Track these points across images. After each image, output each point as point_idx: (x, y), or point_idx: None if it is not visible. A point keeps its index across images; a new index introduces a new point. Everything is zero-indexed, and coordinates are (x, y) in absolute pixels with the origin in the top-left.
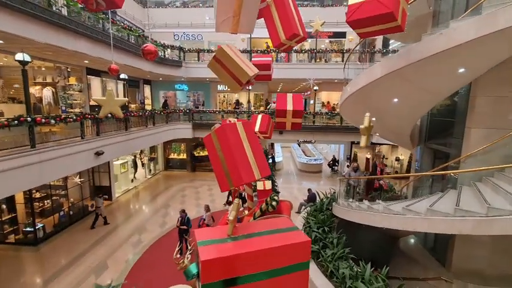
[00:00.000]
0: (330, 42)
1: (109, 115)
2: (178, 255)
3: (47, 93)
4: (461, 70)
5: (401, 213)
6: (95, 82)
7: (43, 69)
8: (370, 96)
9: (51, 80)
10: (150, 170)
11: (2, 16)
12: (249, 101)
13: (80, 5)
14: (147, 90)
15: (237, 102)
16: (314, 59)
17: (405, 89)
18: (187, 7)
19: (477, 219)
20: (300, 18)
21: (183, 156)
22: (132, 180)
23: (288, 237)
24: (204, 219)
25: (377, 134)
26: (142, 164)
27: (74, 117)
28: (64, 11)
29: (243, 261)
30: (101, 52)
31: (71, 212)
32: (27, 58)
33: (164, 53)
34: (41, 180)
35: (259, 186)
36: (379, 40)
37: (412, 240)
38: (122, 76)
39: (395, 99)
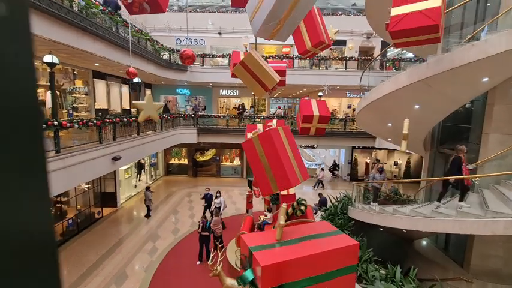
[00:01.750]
0: (330, 49)
1: (124, 119)
2: (211, 262)
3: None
4: (486, 79)
5: (430, 215)
6: (100, 85)
7: (48, 71)
8: (391, 103)
9: (56, 83)
10: (152, 176)
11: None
12: (252, 106)
13: (99, 8)
14: (147, 93)
15: (239, 107)
16: (318, 65)
17: (428, 96)
18: (187, 12)
19: (509, 220)
20: (324, 26)
21: (184, 161)
22: (135, 186)
23: (336, 240)
24: (210, 223)
25: (389, 140)
26: (144, 170)
27: (95, 122)
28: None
29: (298, 266)
30: (116, 55)
31: (78, 220)
32: (56, 60)
33: (170, 57)
34: (66, 186)
35: (283, 191)
36: (376, 49)
37: (425, 242)
38: (136, 80)
39: (416, 106)
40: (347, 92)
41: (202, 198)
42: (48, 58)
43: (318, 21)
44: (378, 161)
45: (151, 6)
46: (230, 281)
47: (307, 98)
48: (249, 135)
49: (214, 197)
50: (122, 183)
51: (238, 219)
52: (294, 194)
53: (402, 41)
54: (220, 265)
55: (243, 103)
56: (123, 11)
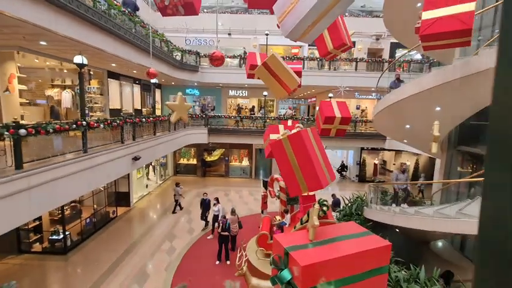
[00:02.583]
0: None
1: (143, 119)
2: (239, 262)
3: (67, 96)
4: None
5: (454, 217)
6: (114, 85)
7: (65, 71)
8: (411, 105)
9: (71, 83)
10: (162, 175)
11: (61, 19)
12: (262, 107)
13: (121, 9)
14: (157, 94)
15: (253, 108)
16: (329, 67)
17: (451, 98)
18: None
19: None
20: (346, 28)
21: (193, 161)
22: (146, 186)
23: (368, 241)
24: (229, 223)
25: (405, 141)
26: (154, 169)
27: (118, 122)
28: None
29: (334, 267)
30: (135, 56)
31: (95, 219)
32: (85, 61)
33: (182, 57)
34: (91, 186)
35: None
36: (385, 50)
37: (441, 243)
38: (153, 80)
39: (438, 108)
40: (356, 93)
41: (201, 205)
42: (78, 59)
43: (340, 23)
44: (384, 162)
45: (186, 9)
46: (255, 281)
47: (314, 99)
48: (273, 136)
49: (212, 204)
50: (134, 183)
51: (251, 219)
52: (314, 195)
53: (431, 44)
54: (245, 265)
55: (238, 104)
56: (139, 14)
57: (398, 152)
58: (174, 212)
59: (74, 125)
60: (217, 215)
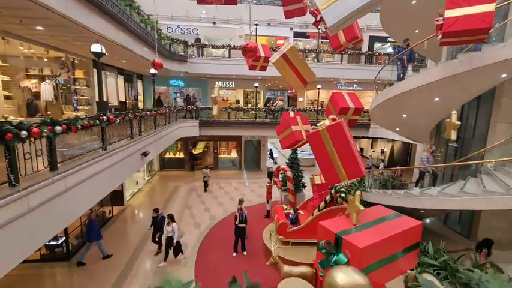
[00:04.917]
0: (322, 43)
1: (148, 113)
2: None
3: (47, 87)
4: (504, 75)
5: (458, 195)
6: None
7: (45, 59)
8: (414, 96)
9: (50, 73)
10: (149, 171)
11: (71, 1)
12: (266, 101)
13: None
14: (139, 85)
15: (268, 100)
16: (317, 58)
17: (450, 89)
18: None
19: None
20: (357, 21)
21: (180, 155)
22: (136, 183)
23: (403, 222)
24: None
25: (397, 129)
26: None
27: (129, 116)
28: None
29: (383, 247)
30: (133, 45)
31: None
32: (103, 50)
33: (170, 47)
34: (112, 185)
35: (317, 180)
36: (364, 43)
37: (428, 219)
38: (153, 72)
39: (436, 99)
40: (338, 84)
41: (151, 226)
42: (96, 47)
43: None
44: (362, 149)
45: None
46: (287, 268)
47: (295, 90)
48: (295, 128)
49: (166, 223)
50: (126, 180)
51: (254, 209)
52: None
53: (451, 40)
54: (277, 253)
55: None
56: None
57: (374, 140)
58: (205, 191)
59: (97, 121)
60: (172, 237)
